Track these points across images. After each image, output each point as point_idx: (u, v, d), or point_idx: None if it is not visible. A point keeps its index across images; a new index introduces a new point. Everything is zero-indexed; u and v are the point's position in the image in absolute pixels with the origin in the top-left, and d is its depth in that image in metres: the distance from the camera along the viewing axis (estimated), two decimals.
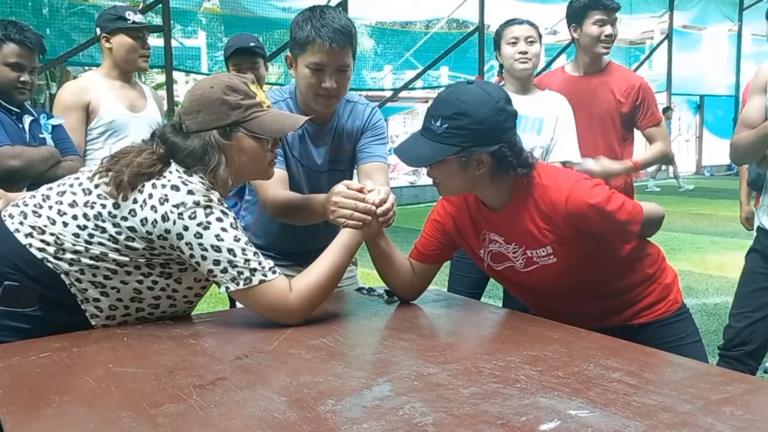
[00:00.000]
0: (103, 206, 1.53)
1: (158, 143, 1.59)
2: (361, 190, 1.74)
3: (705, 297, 5.21)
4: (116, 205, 1.52)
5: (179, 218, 1.50)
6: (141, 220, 1.51)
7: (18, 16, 7.79)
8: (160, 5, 8.83)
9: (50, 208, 1.56)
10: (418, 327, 1.69)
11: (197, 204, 1.51)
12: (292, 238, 2.12)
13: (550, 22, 11.97)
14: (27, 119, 2.45)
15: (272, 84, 9.37)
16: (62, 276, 1.54)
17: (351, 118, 2.10)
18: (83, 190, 1.57)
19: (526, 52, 2.68)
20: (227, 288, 1.54)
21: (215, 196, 1.55)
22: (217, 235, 1.51)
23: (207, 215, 1.51)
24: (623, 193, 1.79)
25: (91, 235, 1.53)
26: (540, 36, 2.76)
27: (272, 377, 1.30)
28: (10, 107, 2.41)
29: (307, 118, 1.76)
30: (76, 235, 1.53)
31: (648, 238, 1.91)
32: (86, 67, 8.47)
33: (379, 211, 1.72)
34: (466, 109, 1.58)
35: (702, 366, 1.45)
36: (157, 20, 8.48)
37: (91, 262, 1.53)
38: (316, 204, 1.85)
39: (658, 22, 15.20)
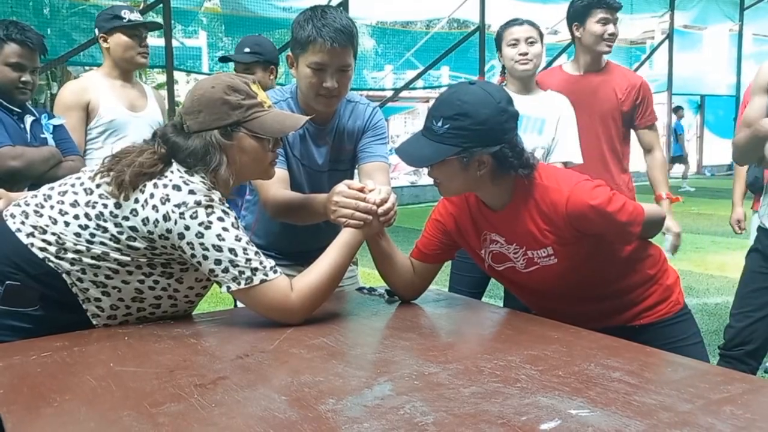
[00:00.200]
0: (105, 206, 1.53)
1: (159, 143, 1.59)
2: (362, 190, 1.74)
3: (705, 297, 5.21)
4: (118, 205, 1.53)
5: (180, 218, 1.50)
6: (142, 220, 1.51)
7: (19, 16, 7.78)
8: (161, 5, 8.83)
9: (52, 207, 1.57)
10: (419, 326, 1.69)
11: (198, 204, 1.51)
12: (293, 238, 2.12)
13: (551, 22, 11.94)
14: (28, 119, 2.45)
15: None
16: (64, 275, 1.54)
17: (352, 118, 2.10)
18: (85, 189, 1.57)
19: (526, 54, 2.68)
20: (228, 288, 1.55)
21: (216, 195, 1.56)
22: (218, 235, 1.51)
23: (208, 215, 1.52)
24: (623, 194, 1.79)
25: (92, 235, 1.53)
26: (541, 36, 2.74)
27: (273, 376, 1.30)
28: (12, 107, 2.41)
29: (308, 117, 1.76)
30: (78, 235, 1.53)
31: (649, 239, 1.91)
32: (87, 67, 8.47)
33: (380, 210, 1.73)
34: (467, 109, 1.58)
35: (702, 365, 1.45)
36: (158, 20, 8.47)
37: (93, 261, 1.54)
38: (317, 204, 1.85)
39: (659, 22, 15.19)
